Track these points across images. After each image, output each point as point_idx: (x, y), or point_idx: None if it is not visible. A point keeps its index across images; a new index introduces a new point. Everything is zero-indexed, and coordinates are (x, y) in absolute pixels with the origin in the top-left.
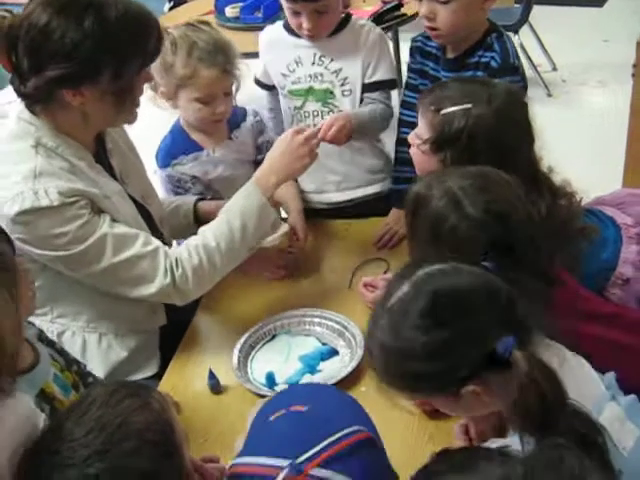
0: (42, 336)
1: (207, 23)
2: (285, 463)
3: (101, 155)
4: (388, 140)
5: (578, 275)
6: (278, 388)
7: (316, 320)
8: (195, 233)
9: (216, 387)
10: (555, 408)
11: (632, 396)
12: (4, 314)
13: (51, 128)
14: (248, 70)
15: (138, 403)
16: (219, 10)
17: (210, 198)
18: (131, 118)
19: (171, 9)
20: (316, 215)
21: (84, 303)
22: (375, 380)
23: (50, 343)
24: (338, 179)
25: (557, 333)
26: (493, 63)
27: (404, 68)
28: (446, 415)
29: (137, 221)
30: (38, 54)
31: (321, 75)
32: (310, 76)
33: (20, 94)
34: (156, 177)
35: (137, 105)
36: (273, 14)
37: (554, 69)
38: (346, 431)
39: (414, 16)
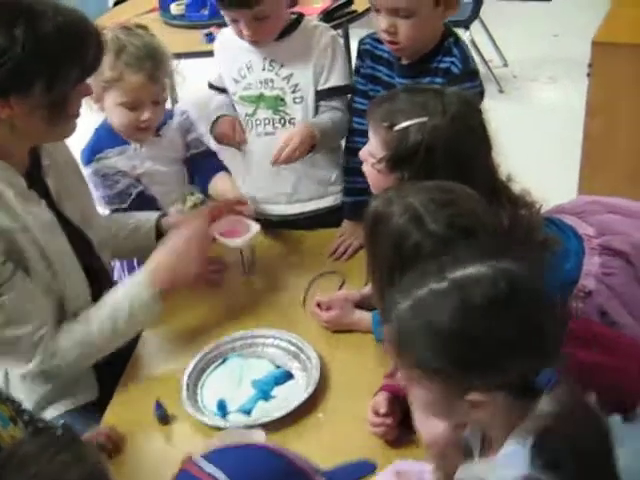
0: None
1: (144, 27)
2: None
3: (35, 174)
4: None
5: None
6: (231, 417)
7: (269, 341)
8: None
9: (164, 418)
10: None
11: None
12: None
13: None
14: (188, 71)
15: (71, 458)
16: (164, 7)
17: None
18: (67, 132)
19: (116, 4)
20: (268, 225)
21: None
22: (332, 405)
23: None
24: (289, 191)
25: None
26: (454, 69)
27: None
28: (408, 443)
29: (63, 255)
30: None
31: (272, 81)
32: (261, 82)
33: None
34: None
35: (74, 117)
36: (220, 12)
37: (505, 65)
38: None
39: (365, 13)
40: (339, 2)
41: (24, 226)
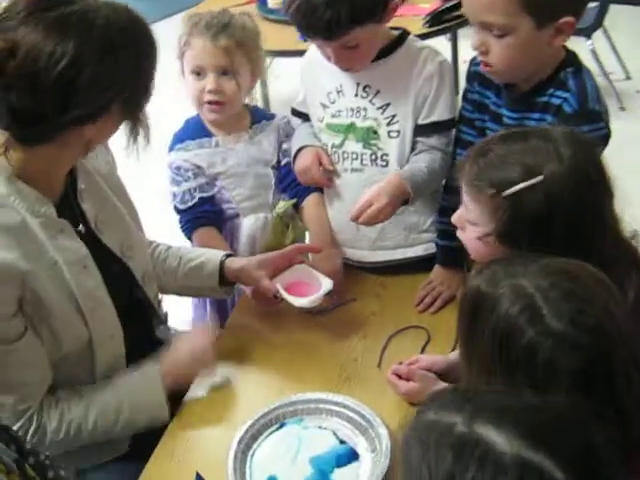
0: None
1: (244, 13)
2: None
3: (70, 199)
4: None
5: None
6: None
7: (335, 409)
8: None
9: None
10: None
11: None
12: None
13: (8, 172)
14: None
15: None
16: (261, 0)
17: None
18: (100, 142)
19: None
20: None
21: None
22: None
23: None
24: (372, 236)
25: None
26: (566, 107)
27: (461, 81)
28: None
29: (95, 295)
30: (67, 90)
31: (364, 110)
32: (352, 110)
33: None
34: None
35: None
36: None
37: (628, 77)
38: None
39: None
40: (450, 3)
41: (51, 263)
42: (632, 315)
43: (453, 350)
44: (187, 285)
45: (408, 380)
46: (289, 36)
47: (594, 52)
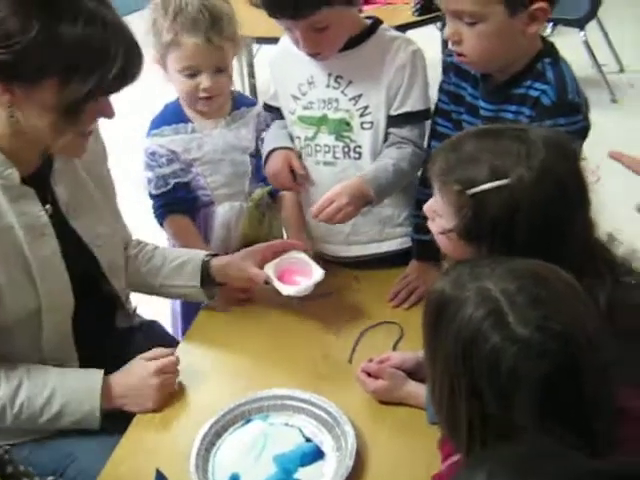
0: None
1: None
2: None
3: (44, 177)
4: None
5: None
6: None
7: (302, 406)
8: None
9: None
10: None
11: None
12: None
13: None
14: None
15: None
16: None
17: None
18: (72, 150)
19: None
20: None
21: None
22: None
23: None
24: (346, 230)
25: None
26: (544, 99)
27: None
28: None
29: (49, 264)
30: None
31: (336, 101)
32: (324, 101)
33: None
34: None
35: (83, 136)
36: None
37: (621, 70)
38: None
39: None
40: None
41: (6, 227)
42: (603, 321)
43: None
44: (169, 284)
45: (377, 378)
46: (272, 22)
47: (587, 44)
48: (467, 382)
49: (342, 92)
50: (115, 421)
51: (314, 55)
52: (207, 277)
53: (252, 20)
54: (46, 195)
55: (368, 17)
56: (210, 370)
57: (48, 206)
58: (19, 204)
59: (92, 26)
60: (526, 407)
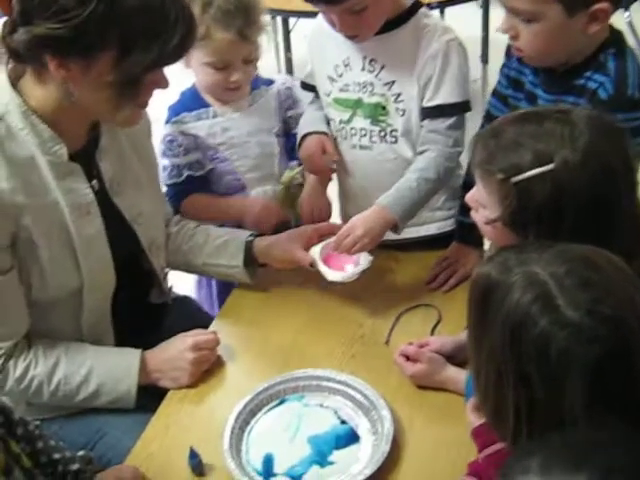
0: None
1: None
2: None
3: (90, 155)
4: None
5: None
6: None
7: (338, 387)
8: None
9: (198, 468)
10: None
11: None
12: None
13: (25, 105)
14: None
15: None
16: None
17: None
18: (129, 121)
19: None
20: None
21: None
22: None
23: None
24: None
25: None
26: (601, 92)
27: (491, 50)
28: None
29: (93, 243)
30: (31, 1)
31: (371, 85)
32: (359, 85)
33: (4, 45)
34: None
35: (140, 107)
36: None
37: None
38: None
39: None
40: None
41: (53, 203)
42: None
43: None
44: (212, 263)
45: (415, 361)
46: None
47: (631, 25)
48: (514, 368)
49: (376, 76)
50: (148, 398)
51: (351, 37)
52: (250, 257)
53: None
54: (92, 171)
55: None
56: (244, 348)
57: (94, 182)
58: (66, 181)
59: None
60: (576, 393)
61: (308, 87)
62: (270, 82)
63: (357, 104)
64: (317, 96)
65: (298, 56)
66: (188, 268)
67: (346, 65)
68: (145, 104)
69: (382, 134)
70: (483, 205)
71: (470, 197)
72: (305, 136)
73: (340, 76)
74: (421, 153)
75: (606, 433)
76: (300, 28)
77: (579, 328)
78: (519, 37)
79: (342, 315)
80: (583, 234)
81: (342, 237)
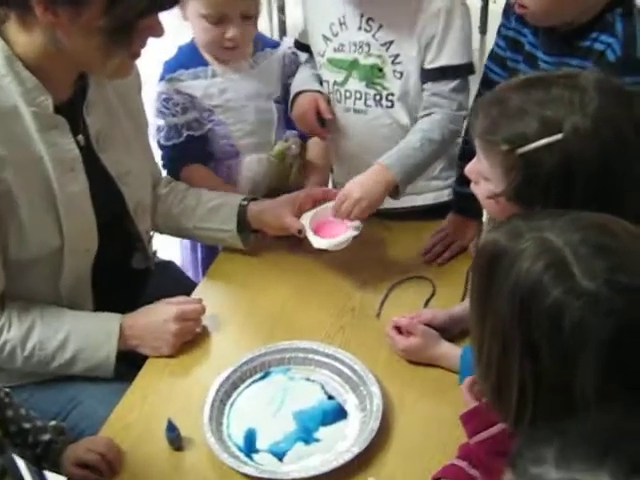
0: None
1: None
2: None
3: (76, 108)
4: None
5: None
6: (257, 457)
7: (325, 360)
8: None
9: (176, 442)
10: None
11: None
12: None
13: (10, 50)
14: None
15: None
16: None
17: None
18: (120, 72)
19: None
20: None
21: None
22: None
23: None
24: None
25: None
26: (609, 54)
27: (491, 17)
28: None
29: (76, 200)
30: None
31: (368, 46)
32: (355, 45)
33: None
34: None
35: (132, 57)
36: None
37: None
38: None
39: None
40: None
41: (36, 157)
42: None
43: (463, 300)
44: (203, 227)
45: (408, 335)
46: None
47: None
48: (522, 341)
49: (373, 36)
50: (126, 366)
51: None
52: (243, 222)
53: None
54: (78, 126)
55: None
56: (229, 317)
57: (80, 137)
58: (50, 134)
59: None
60: (589, 368)
61: (302, 46)
62: (276, 44)
63: (352, 65)
64: (312, 56)
65: (292, 19)
66: (178, 232)
67: (342, 23)
68: (138, 54)
69: (378, 97)
70: (485, 178)
71: (470, 169)
72: (298, 95)
73: (335, 35)
74: (423, 117)
75: (633, 421)
76: None
77: (595, 298)
78: None
79: (332, 285)
80: (595, 204)
81: (340, 202)
